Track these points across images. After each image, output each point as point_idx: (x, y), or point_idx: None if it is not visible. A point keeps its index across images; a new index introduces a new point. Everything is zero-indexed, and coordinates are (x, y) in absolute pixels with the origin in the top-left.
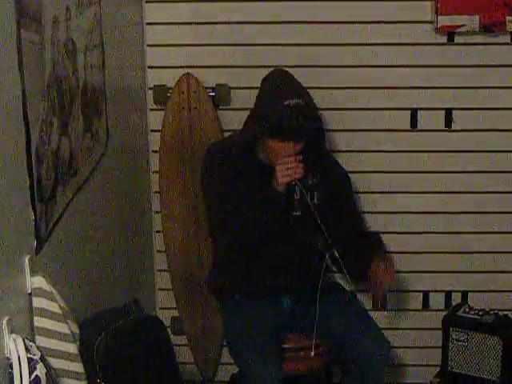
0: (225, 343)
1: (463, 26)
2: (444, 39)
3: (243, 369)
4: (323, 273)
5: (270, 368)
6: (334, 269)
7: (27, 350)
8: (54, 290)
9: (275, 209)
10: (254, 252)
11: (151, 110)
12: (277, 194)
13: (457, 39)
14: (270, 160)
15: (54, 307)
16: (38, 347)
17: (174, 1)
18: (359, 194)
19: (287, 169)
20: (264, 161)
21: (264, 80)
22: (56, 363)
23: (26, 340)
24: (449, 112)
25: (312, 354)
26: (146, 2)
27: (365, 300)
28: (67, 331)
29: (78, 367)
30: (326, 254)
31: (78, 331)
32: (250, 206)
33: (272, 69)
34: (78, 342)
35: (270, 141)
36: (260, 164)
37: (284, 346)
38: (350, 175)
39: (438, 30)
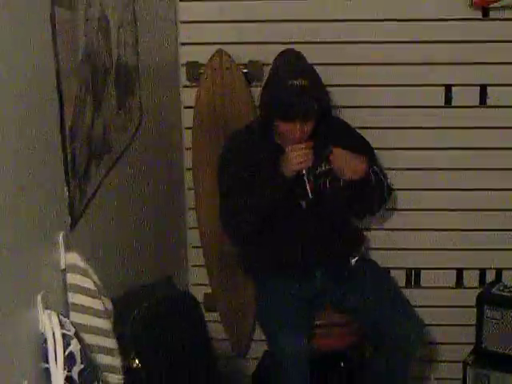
0: (257, 319)
1: (498, 1)
2: (479, 14)
3: (272, 343)
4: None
5: (299, 342)
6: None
7: (61, 325)
8: (88, 267)
9: (282, 196)
10: (277, 230)
11: (184, 86)
12: (285, 181)
13: (492, 14)
14: (283, 142)
15: (88, 283)
16: (72, 323)
17: None
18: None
19: (297, 156)
20: (281, 145)
21: (273, 62)
22: (90, 339)
23: (60, 316)
24: (483, 88)
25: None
26: None
27: (397, 277)
28: (101, 307)
29: (111, 343)
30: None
31: (111, 307)
32: (258, 193)
33: (291, 47)
34: (112, 319)
35: (279, 124)
36: (277, 149)
37: (316, 322)
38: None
39: (472, 5)
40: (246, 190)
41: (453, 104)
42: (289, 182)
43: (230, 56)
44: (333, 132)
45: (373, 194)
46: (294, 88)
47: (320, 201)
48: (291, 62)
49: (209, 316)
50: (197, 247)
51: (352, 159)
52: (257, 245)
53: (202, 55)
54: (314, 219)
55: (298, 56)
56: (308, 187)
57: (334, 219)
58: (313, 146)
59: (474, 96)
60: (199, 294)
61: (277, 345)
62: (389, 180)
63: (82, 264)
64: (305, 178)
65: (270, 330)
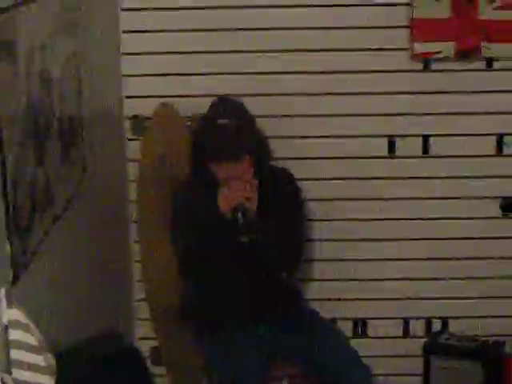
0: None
1: (439, 52)
2: (420, 66)
3: None
4: (284, 298)
5: None
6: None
7: (3, 382)
8: (30, 322)
9: (222, 236)
10: (218, 280)
11: (129, 139)
12: (222, 221)
13: (433, 66)
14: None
15: (30, 339)
16: (14, 380)
17: (150, 31)
18: (334, 222)
19: (226, 196)
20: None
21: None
22: None
23: (1, 372)
24: (426, 138)
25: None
26: (123, 32)
27: (344, 327)
28: (44, 363)
29: None
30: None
31: (54, 363)
32: (200, 235)
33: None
34: (55, 375)
35: (211, 165)
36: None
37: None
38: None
39: (413, 57)
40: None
41: (396, 154)
42: (223, 223)
43: (174, 109)
44: (273, 179)
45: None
46: (221, 126)
47: (256, 244)
48: (222, 104)
49: (156, 370)
50: (143, 300)
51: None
52: (199, 297)
53: (147, 108)
54: (251, 266)
55: (232, 101)
56: (241, 227)
57: (259, 269)
58: (248, 183)
59: (417, 147)
60: (146, 347)
61: None
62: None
63: (24, 320)
64: (239, 217)
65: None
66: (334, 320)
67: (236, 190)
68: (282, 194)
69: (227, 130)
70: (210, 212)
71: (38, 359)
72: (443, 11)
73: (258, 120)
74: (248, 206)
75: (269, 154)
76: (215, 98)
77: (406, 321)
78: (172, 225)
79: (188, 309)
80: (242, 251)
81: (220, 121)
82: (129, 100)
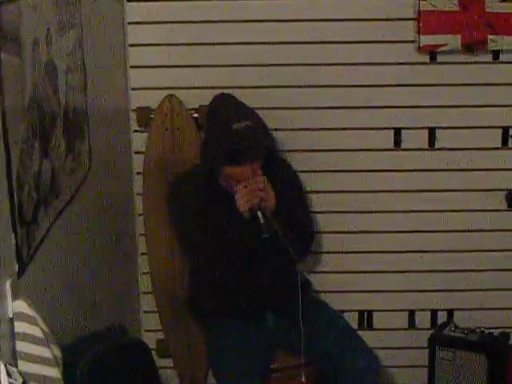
0: (209, 365)
1: (445, 45)
2: (426, 58)
3: None
4: (300, 288)
5: None
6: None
7: (9, 375)
8: (36, 314)
9: (243, 236)
10: (232, 274)
11: (135, 131)
12: (242, 220)
13: (439, 58)
14: (232, 187)
15: (36, 331)
16: (19, 372)
17: (156, 22)
18: (339, 214)
19: (243, 195)
20: (227, 188)
21: (209, 108)
22: None
23: (7, 365)
24: (432, 131)
25: (303, 377)
26: (129, 23)
27: (350, 319)
28: (50, 355)
29: None
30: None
31: (60, 355)
32: (219, 236)
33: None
34: (61, 367)
35: (226, 168)
36: (223, 192)
37: (272, 365)
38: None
39: (420, 50)
40: (200, 235)
41: (402, 147)
42: (243, 223)
43: (180, 101)
44: (278, 170)
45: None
46: (239, 132)
47: (275, 240)
48: (230, 105)
49: (162, 362)
50: (149, 293)
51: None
52: (206, 287)
53: (153, 100)
54: (260, 264)
55: (235, 99)
56: (263, 225)
57: (278, 263)
58: (262, 181)
59: (423, 139)
60: (152, 339)
61: None
62: (313, 226)
63: (29, 312)
64: (259, 216)
65: (221, 376)
66: (340, 311)
67: (253, 190)
68: (285, 183)
69: (249, 133)
70: (223, 212)
71: (44, 351)
72: (450, 4)
73: (263, 113)
74: (265, 205)
75: (277, 148)
76: (218, 98)
77: (412, 313)
78: (176, 223)
79: (194, 300)
80: (261, 247)
81: (237, 124)
82: (134, 92)
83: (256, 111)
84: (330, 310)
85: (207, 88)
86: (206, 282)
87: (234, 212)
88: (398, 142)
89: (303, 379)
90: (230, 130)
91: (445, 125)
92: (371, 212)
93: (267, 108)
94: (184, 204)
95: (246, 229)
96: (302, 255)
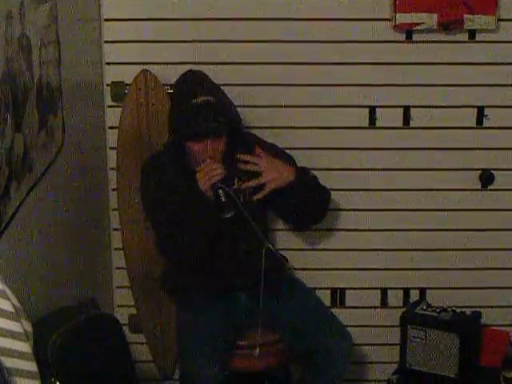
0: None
1: (421, 23)
2: (402, 37)
3: (183, 367)
4: (265, 267)
5: (210, 368)
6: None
7: None
8: (6, 288)
9: (206, 214)
10: (201, 251)
11: (109, 106)
12: (204, 198)
13: (415, 37)
14: (199, 164)
15: (6, 305)
16: None
17: None
18: None
19: (205, 173)
20: (193, 166)
21: (175, 83)
22: (9, 362)
23: None
24: (407, 109)
25: (257, 351)
26: None
27: (323, 297)
28: (20, 330)
29: (31, 366)
30: (263, 249)
31: (31, 330)
32: (183, 213)
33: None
34: (32, 341)
35: (189, 144)
36: (190, 169)
37: (241, 342)
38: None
39: (395, 28)
40: (168, 213)
41: (377, 125)
42: (205, 201)
43: (154, 76)
44: (246, 147)
45: (309, 198)
46: (198, 106)
47: (239, 219)
48: (194, 81)
49: (134, 338)
50: (122, 268)
51: (278, 164)
52: (178, 265)
53: (127, 75)
54: (233, 238)
55: (202, 75)
56: (225, 203)
57: (252, 238)
58: (223, 160)
59: (398, 117)
60: (124, 315)
61: (186, 369)
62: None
63: (0, 286)
64: (220, 195)
65: (183, 354)
66: (313, 289)
67: (213, 169)
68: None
69: (208, 108)
70: (189, 190)
71: (15, 325)
72: None
73: (238, 89)
74: (229, 183)
75: (242, 123)
76: (185, 74)
77: (384, 291)
78: (145, 201)
79: (168, 277)
80: (225, 225)
81: (200, 98)
82: (109, 66)
83: (230, 88)
84: (304, 287)
85: (182, 64)
86: (177, 259)
87: (197, 190)
88: (372, 120)
89: (256, 352)
90: (190, 105)
91: (420, 103)
92: (344, 190)
93: (242, 85)
94: (154, 182)
95: (207, 207)
96: (320, 214)
